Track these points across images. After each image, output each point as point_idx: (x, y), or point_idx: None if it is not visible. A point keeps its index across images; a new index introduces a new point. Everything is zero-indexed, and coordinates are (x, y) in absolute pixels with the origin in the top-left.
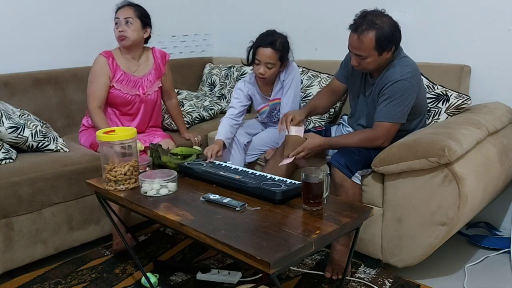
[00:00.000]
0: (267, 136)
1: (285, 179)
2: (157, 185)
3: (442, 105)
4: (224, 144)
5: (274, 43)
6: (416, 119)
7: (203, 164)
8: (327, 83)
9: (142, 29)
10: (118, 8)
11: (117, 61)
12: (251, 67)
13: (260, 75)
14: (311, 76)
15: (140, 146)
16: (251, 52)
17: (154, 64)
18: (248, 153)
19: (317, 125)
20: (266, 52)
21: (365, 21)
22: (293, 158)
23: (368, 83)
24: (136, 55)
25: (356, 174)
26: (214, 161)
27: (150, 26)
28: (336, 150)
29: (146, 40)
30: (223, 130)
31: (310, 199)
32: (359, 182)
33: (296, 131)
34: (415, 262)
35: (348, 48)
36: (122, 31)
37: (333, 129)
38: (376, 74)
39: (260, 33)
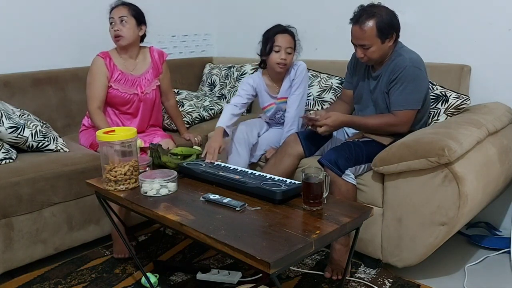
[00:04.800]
0: (270, 136)
1: (285, 179)
2: (157, 185)
3: (441, 105)
4: (225, 132)
5: (290, 30)
6: (418, 118)
7: (202, 165)
8: (327, 83)
9: (137, 27)
10: (112, 8)
11: (114, 61)
12: (251, 67)
13: (282, 61)
14: (311, 76)
15: (140, 143)
16: (267, 42)
17: (152, 62)
18: (254, 154)
19: None
20: (286, 38)
21: (363, 12)
22: (308, 121)
23: (372, 77)
24: (133, 54)
25: (347, 172)
26: (213, 161)
27: (145, 24)
28: (328, 148)
29: (142, 39)
30: (225, 118)
31: (310, 199)
32: (351, 181)
33: None
34: (415, 262)
35: (352, 42)
36: (118, 30)
37: (334, 132)
38: (378, 66)
39: (267, 29)
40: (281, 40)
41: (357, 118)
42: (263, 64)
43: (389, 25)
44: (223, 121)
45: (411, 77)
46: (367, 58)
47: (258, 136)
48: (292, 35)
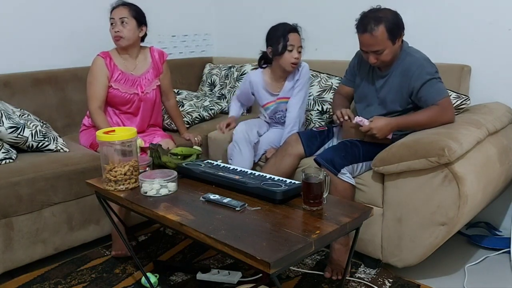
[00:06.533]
0: (271, 136)
1: (285, 179)
2: (157, 185)
3: None
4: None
5: (298, 29)
6: None
7: (201, 165)
8: (327, 83)
9: (138, 28)
10: (113, 8)
11: (115, 61)
12: (251, 67)
13: (296, 60)
14: (311, 76)
15: (141, 142)
16: (279, 41)
17: (152, 62)
18: (256, 153)
19: (317, 125)
20: (297, 37)
21: (369, 19)
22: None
23: (378, 76)
24: (133, 54)
25: (343, 171)
26: (212, 162)
27: (146, 25)
28: (325, 148)
29: (143, 39)
30: (235, 108)
31: (310, 199)
32: (348, 180)
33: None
34: (415, 262)
35: (362, 49)
36: (118, 31)
37: (336, 130)
38: (387, 66)
39: (273, 27)
40: (294, 38)
41: (403, 117)
42: (264, 62)
43: (397, 25)
44: (233, 112)
45: (431, 71)
46: (380, 62)
47: (260, 136)
48: (299, 33)
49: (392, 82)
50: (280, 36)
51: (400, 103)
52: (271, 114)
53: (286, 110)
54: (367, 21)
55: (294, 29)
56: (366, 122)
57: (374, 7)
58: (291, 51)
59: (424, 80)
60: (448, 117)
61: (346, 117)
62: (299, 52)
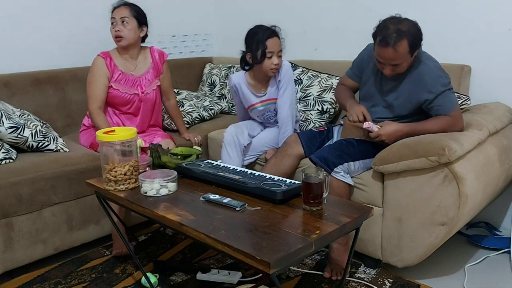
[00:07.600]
0: (266, 136)
1: (285, 179)
2: (157, 185)
3: None
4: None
5: (277, 32)
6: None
7: (201, 165)
8: (327, 83)
9: (138, 28)
10: (114, 8)
11: (115, 61)
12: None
13: (276, 67)
14: (311, 76)
15: (141, 142)
16: (258, 48)
17: (152, 63)
18: (248, 154)
19: (317, 125)
20: (276, 41)
21: (391, 32)
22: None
23: (387, 78)
24: (133, 54)
25: (337, 170)
26: (212, 162)
27: (147, 25)
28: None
29: (143, 39)
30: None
31: (310, 199)
32: (342, 178)
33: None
34: (415, 262)
35: (380, 61)
36: (119, 31)
37: (336, 129)
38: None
39: (251, 30)
40: (272, 44)
41: (414, 125)
42: (245, 64)
43: (418, 39)
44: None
45: (445, 82)
46: (395, 73)
47: (252, 137)
48: (279, 36)
49: (402, 88)
50: (259, 43)
51: (408, 110)
52: (259, 116)
53: (274, 110)
54: (388, 34)
55: (272, 33)
56: (375, 128)
57: (393, 15)
58: (270, 57)
59: (438, 92)
60: (458, 128)
61: (362, 118)
62: (279, 57)
